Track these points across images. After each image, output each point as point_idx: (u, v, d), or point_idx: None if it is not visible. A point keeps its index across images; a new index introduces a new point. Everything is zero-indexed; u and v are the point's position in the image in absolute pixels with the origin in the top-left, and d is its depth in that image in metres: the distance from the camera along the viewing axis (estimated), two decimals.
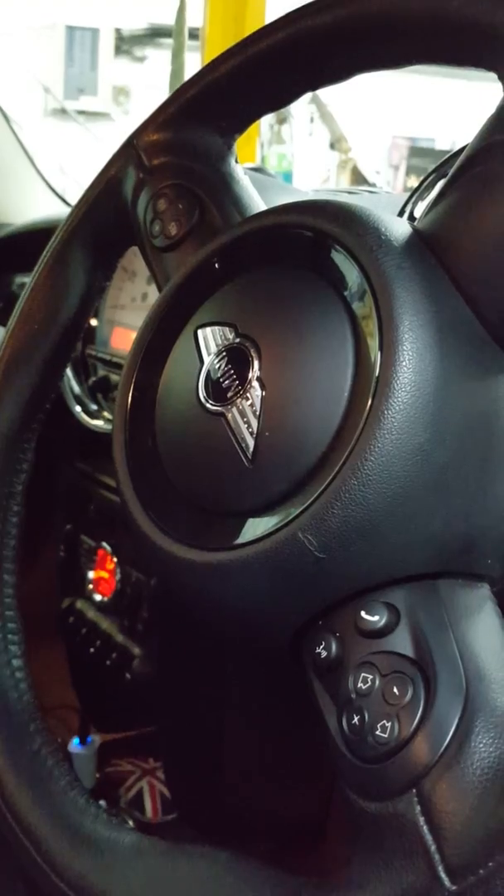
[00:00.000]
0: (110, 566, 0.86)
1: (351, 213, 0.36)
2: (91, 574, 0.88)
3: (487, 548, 0.34)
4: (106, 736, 0.99)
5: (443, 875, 0.26)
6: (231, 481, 0.36)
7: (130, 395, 0.42)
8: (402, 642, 0.32)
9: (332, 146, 4.33)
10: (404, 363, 0.32)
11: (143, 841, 0.36)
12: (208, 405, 0.37)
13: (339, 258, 0.35)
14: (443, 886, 0.26)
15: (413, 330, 0.33)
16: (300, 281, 0.37)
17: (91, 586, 0.88)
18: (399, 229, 0.36)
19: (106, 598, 0.86)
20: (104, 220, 0.49)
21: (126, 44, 5.59)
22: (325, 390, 0.34)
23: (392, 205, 0.70)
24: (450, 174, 0.37)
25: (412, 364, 0.32)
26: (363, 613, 0.32)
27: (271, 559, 0.33)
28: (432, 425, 0.32)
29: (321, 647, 0.33)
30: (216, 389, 0.37)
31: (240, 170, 0.49)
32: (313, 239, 0.37)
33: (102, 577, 0.87)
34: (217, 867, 0.33)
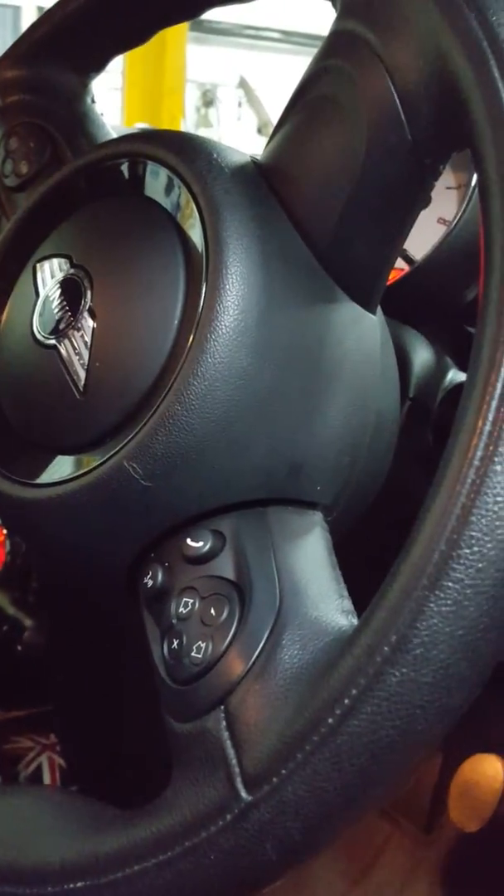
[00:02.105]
0: (0, 538, 0.84)
1: (185, 140, 0.36)
2: None
3: (315, 474, 0.34)
4: (6, 714, 0.96)
5: (240, 786, 0.26)
6: (64, 415, 0.35)
7: None
8: (224, 566, 0.31)
9: (260, 131, 4.33)
10: (228, 288, 0.32)
11: None
12: (41, 338, 0.36)
13: (173, 185, 0.35)
14: (240, 798, 0.25)
15: (238, 255, 0.32)
16: (137, 210, 0.36)
17: None
18: (232, 157, 0.35)
19: None
20: None
21: None
22: (156, 319, 0.33)
23: None
24: (286, 103, 0.37)
25: (236, 289, 0.32)
26: (188, 540, 0.32)
27: (99, 490, 0.33)
28: (256, 350, 0.32)
29: (148, 576, 0.33)
30: (49, 322, 0.36)
31: (95, 109, 0.48)
32: (149, 167, 0.36)
33: None
34: (41, 803, 0.32)
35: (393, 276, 0.49)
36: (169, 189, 0.35)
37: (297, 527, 0.33)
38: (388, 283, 0.49)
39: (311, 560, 0.32)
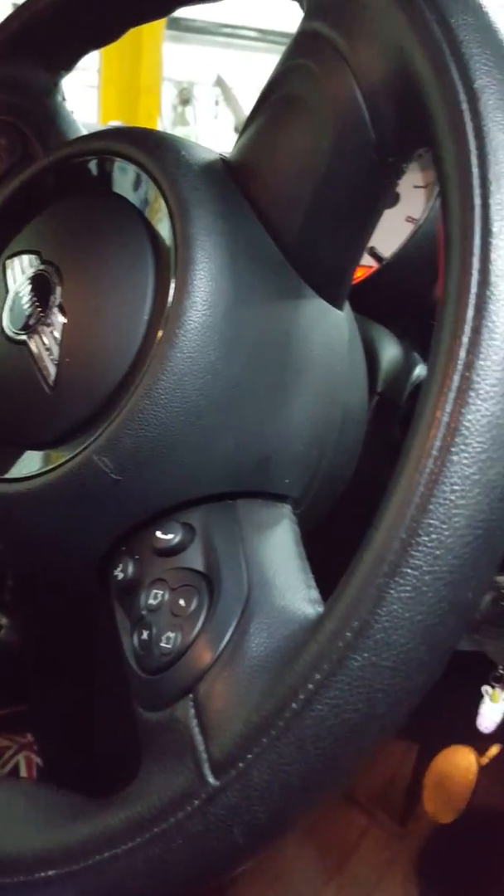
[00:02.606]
0: None
1: (154, 137, 0.36)
2: None
3: (283, 467, 0.34)
4: None
5: (207, 772, 0.26)
6: (33, 411, 0.35)
7: None
8: (193, 558, 0.32)
9: (237, 129, 4.33)
10: (196, 284, 0.32)
11: None
12: (11, 334, 0.36)
13: (142, 182, 0.35)
14: (207, 783, 0.26)
15: (207, 251, 0.32)
16: (106, 207, 0.36)
17: None
18: (201, 155, 0.36)
19: None
20: None
21: None
22: (125, 315, 0.33)
23: None
24: (255, 103, 0.37)
25: (204, 284, 0.32)
26: (158, 533, 0.32)
27: (69, 484, 0.33)
28: (224, 345, 0.32)
29: (118, 569, 0.33)
30: (19, 318, 0.36)
31: (66, 106, 0.48)
32: (118, 164, 0.36)
33: None
34: (14, 794, 0.32)
35: (362, 274, 0.49)
36: (138, 186, 0.35)
37: (265, 519, 0.33)
38: (358, 280, 0.50)
39: (278, 551, 0.32)
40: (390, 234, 0.50)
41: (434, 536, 0.24)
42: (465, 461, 0.24)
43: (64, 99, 0.48)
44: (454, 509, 0.24)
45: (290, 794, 0.25)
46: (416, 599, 0.24)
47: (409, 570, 0.24)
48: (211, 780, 0.26)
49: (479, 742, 0.83)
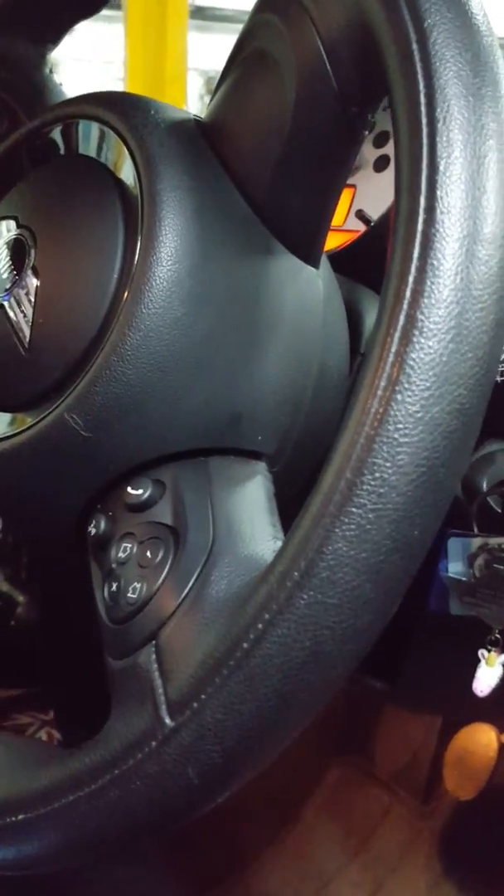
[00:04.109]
0: None
1: (122, 98, 0.36)
2: None
3: (255, 424, 0.35)
4: (6, 692, 0.98)
5: (164, 714, 0.26)
6: (11, 373, 0.36)
7: None
8: (162, 512, 0.32)
9: None
10: (162, 240, 0.32)
11: None
12: None
13: (111, 142, 0.35)
14: (163, 724, 0.26)
15: (172, 207, 0.33)
16: (79, 169, 0.37)
17: None
18: (170, 113, 0.36)
19: None
20: None
21: None
22: (96, 274, 0.34)
23: None
24: (226, 61, 0.37)
25: (169, 240, 0.32)
26: (129, 489, 0.33)
27: (42, 443, 0.33)
28: (190, 300, 0.32)
29: (92, 525, 0.33)
30: None
31: (54, 79, 0.49)
32: (89, 127, 0.37)
33: None
34: (2, 745, 0.33)
35: (349, 237, 0.49)
36: (107, 146, 0.36)
37: (236, 474, 0.34)
38: (345, 243, 0.50)
39: (247, 504, 0.32)
40: (379, 197, 0.50)
41: (378, 475, 0.24)
42: (408, 399, 0.24)
43: (52, 71, 0.49)
44: (397, 447, 0.24)
45: (244, 734, 0.25)
46: (360, 538, 0.24)
47: (353, 510, 0.24)
48: (167, 721, 0.26)
49: (501, 720, 0.82)
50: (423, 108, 0.26)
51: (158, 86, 3.06)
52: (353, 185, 0.52)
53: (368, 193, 0.51)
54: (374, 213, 0.50)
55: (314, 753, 0.96)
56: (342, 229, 0.51)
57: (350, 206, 0.51)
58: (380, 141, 0.52)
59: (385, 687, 0.60)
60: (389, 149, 0.50)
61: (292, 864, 0.94)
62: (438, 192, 0.25)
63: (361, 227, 0.50)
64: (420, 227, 0.25)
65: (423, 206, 0.25)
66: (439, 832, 0.92)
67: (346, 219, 0.51)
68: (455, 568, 0.46)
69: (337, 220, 0.51)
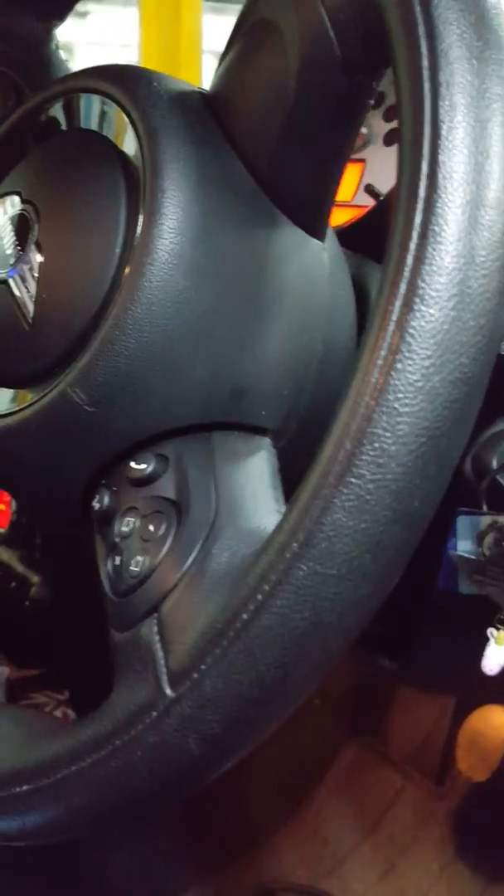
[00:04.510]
0: (7, 498, 0.86)
1: (125, 70, 0.36)
2: None
3: (259, 399, 0.34)
4: (23, 672, 0.99)
5: (165, 684, 0.26)
6: (15, 348, 0.36)
7: None
8: (165, 487, 0.32)
9: None
10: (164, 212, 0.32)
11: None
12: None
13: (114, 115, 0.35)
14: (164, 695, 0.26)
15: (175, 178, 0.32)
16: (82, 142, 0.37)
17: None
18: (174, 85, 0.36)
19: (3, 530, 0.86)
20: None
21: None
22: (99, 247, 0.33)
23: None
24: (231, 32, 0.37)
25: (171, 212, 0.32)
26: (132, 463, 0.33)
27: (46, 418, 0.34)
28: (192, 272, 0.32)
29: (96, 500, 0.33)
30: (1, 258, 0.37)
31: (59, 55, 0.48)
32: (92, 100, 0.37)
33: (0, 509, 0.87)
34: (11, 719, 0.34)
35: (358, 213, 0.49)
36: (110, 119, 0.35)
37: (240, 449, 0.34)
38: (354, 218, 0.49)
39: (250, 479, 0.32)
40: (389, 172, 0.49)
41: (377, 445, 0.24)
42: (409, 368, 0.24)
43: (57, 48, 0.49)
44: (398, 417, 0.24)
45: (243, 704, 0.25)
46: (359, 508, 0.24)
47: (353, 480, 0.24)
48: (168, 691, 0.26)
49: None
50: (425, 72, 0.25)
51: (173, 68, 3.04)
52: (363, 160, 0.51)
53: (378, 168, 0.50)
54: (384, 188, 0.49)
55: (328, 734, 0.96)
56: (351, 204, 0.50)
57: (359, 182, 0.51)
58: (390, 115, 0.51)
59: (395, 666, 0.60)
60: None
61: (305, 843, 0.95)
62: (441, 157, 0.24)
63: (371, 203, 0.49)
64: (422, 192, 0.24)
65: (425, 172, 0.24)
66: (452, 813, 0.92)
67: (354, 194, 0.51)
68: (464, 546, 0.46)
69: (346, 195, 0.51)
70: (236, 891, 0.91)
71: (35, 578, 0.84)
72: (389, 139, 0.50)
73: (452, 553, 0.46)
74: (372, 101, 0.34)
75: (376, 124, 0.51)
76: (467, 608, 0.48)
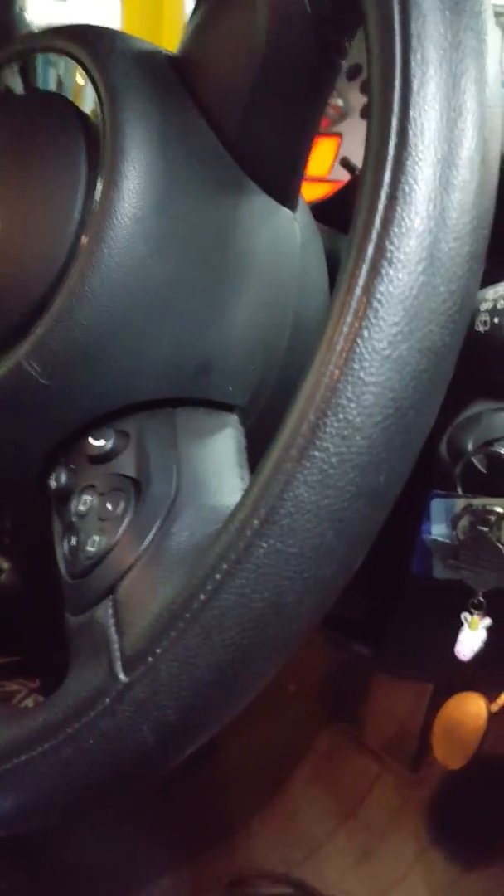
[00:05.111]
0: None
1: (87, 29, 0.34)
2: None
3: (225, 374, 0.33)
4: None
5: (118, 669, 0.25)
6: None
7: None
8: (125, 464, 0.31)
9: None
10: (125, 174, 0.30)
11: None
12: None
13: (74, 74, 0.34)
14: (117, 680, 0.25)
15: (136, 140, 0.31)
16: (41, 104, 0.35)
17: None
18: (138, 45, 0.34)
19: None
20: None
21: None
22: (56, 214, 0.32)
23: None
24: None
25: (133, 175, 0.30)
26: (91, 440, 0.31)
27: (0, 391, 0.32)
28: (154, 239, 0.31)
29: (52, 478, 0.32)
30: None
31: (24, 18, 0.46)
32: (50, 59, 0.35)
33: None
34: None
35: (334, 188, 0.47)
36: (69, 79, 0.34)
37: (204, 425, 0.32)
38: (330, 193, 0.48)
39: (214, 457, 0.31)
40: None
41: (342, 416, 0.22)
42: (375, 336, 0.23)
43: (22, 10, 0.47)
44: (363, 387, 0.22)
45: (200, 690, 0.24)
46: (322, 483, 0.23)
47: (316, 453, 0.23)
48: (121, 676, 0.25)
49: (491, 689, 0.82)
50: (396, 25, 0.24)
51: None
52: (339, 134, 0.50)
53: (354, 142, 0.49)
54: (361, 162, 0.48)
55: (303, 721, 0.96)
56: (327, 179, 0.49)
57: (335, 156, 0.49)
58: (366, 87, 0.50)
59: (369, 652, 0.59)
60: None
61: (281, 830, 0.94)
62: (411, 113, 0.23)
63: (347, 178, 0.48)
64: (391, 150, 0.23)
65: (395, 129, 0.23)
66: (428, 801, 0.92)
67: (331, 169, 0.49)
68: (438, 530, 0.45)
69: (321, 169, 0.49)
70: (211, 877, 0.90)
71: (5, 565, 0.82)
72: (366, 112, 0.49)
73: (426, 537, 0.45)
74: (344, 63, 0.32)
75: (353, 97, 0.50)
76: (441, 593, 0.47)
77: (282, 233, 0.34)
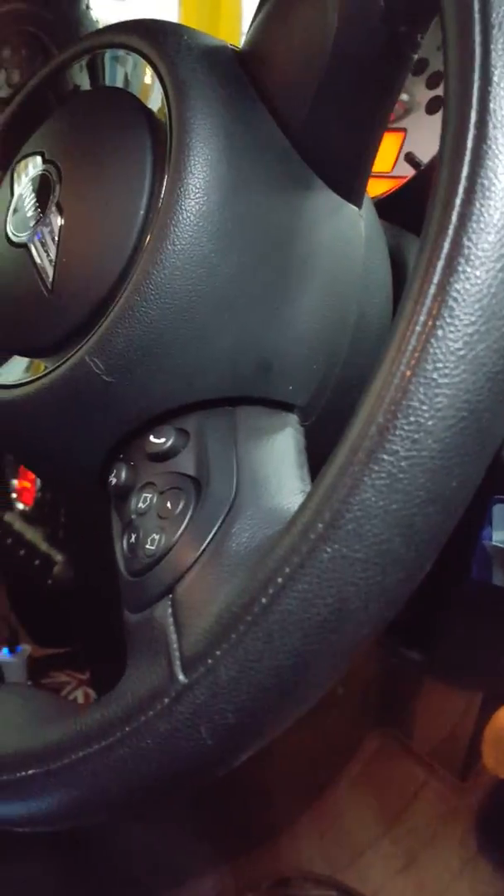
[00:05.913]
0: (32, 476, 0.85)
1: (155, 24, 0.34)
2: (15, 483, 0.87)
3: (286, 373, 0.32)
4: (45, 651, 0.99)
5: (178, 670, 0.25)
6: (34, 316, 0.34)
7: None
8: (185, 462, 0.30)
9: None
10: (190, 170, 0.30)
11: None
12: (13, 237, 0.35)
13: (141, 70, 0.33)
14: (177, 681, 0.25)
15: (203, 135, 0.31)
16: (108, 100, 0.35)
17: (15, 496, 0.87)
18: (205, 41, 0.34)
19: (29, 508, 0.85)
20: None
21: None
22: (122, 209, 0.32)
23: None
24: None
25: (198, 171, 0.30)
26: (151, 437, 0.31)
27: (63, 387, 0.32)
28: (219, 236, 0.30)
29: (112, 474, 0.32)
30: (22, 220, 0.35)
31: (90, 16, 0.46)
32: (118, 55, 0.35)
33: (25, 486, 0.86)
34: (10, 697, 0.32)
35: (398, 183, 0.46)
36: (136, 75, 0.33)
37: (264, 425, 0.32)
38: (394, 189, 0.47)
39: (274, 457, 0.31)
40: (432, 141, 0.47)
41: (413, 419, 0.22)
42: (450, 336, 0.22)
43: (88, 7, 0.47)
44: (436, 389, 0.22)
45: (259, 693, 0.24)
46: (391, 487, 0.22)
47: (384, 457, 0.22)
48: (181, 677, 0.25)
49: None
50: (476, 14, 0.23)
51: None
52: (404, 129, 0.49)
53: (420, 138, 0.48)
54: (426, 158, 0.47)
55: (351, 724, 0.95)
56: (391, 175, 0.48)
57: (399, 151, 0.48)
58: (432, 82, 0.49)
59: (421, 658, 0.58)
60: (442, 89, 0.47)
61: (325, 833, 0.93)
62: (491, 105, 0.22)
63: (411, 173, 0.47)
64: (469, 143, 0.22)
65: (474, 121, 0.22)
66: (476, 810, 0.90)
67: (395, 164, 0.48)
68: (500, 536, 0.44)
69: (385, 165, 0.48)
70: (254, 878, 0.90)
71: (58, 557, 0.83)
72: (432, 107, 0.48)
73: (487, 543, 0.44)
74: (415, 57, 0.31)
75: (419, 92, 0.49)
76: (498, 600, 0.46)
77: (346, 229, 0.34)
